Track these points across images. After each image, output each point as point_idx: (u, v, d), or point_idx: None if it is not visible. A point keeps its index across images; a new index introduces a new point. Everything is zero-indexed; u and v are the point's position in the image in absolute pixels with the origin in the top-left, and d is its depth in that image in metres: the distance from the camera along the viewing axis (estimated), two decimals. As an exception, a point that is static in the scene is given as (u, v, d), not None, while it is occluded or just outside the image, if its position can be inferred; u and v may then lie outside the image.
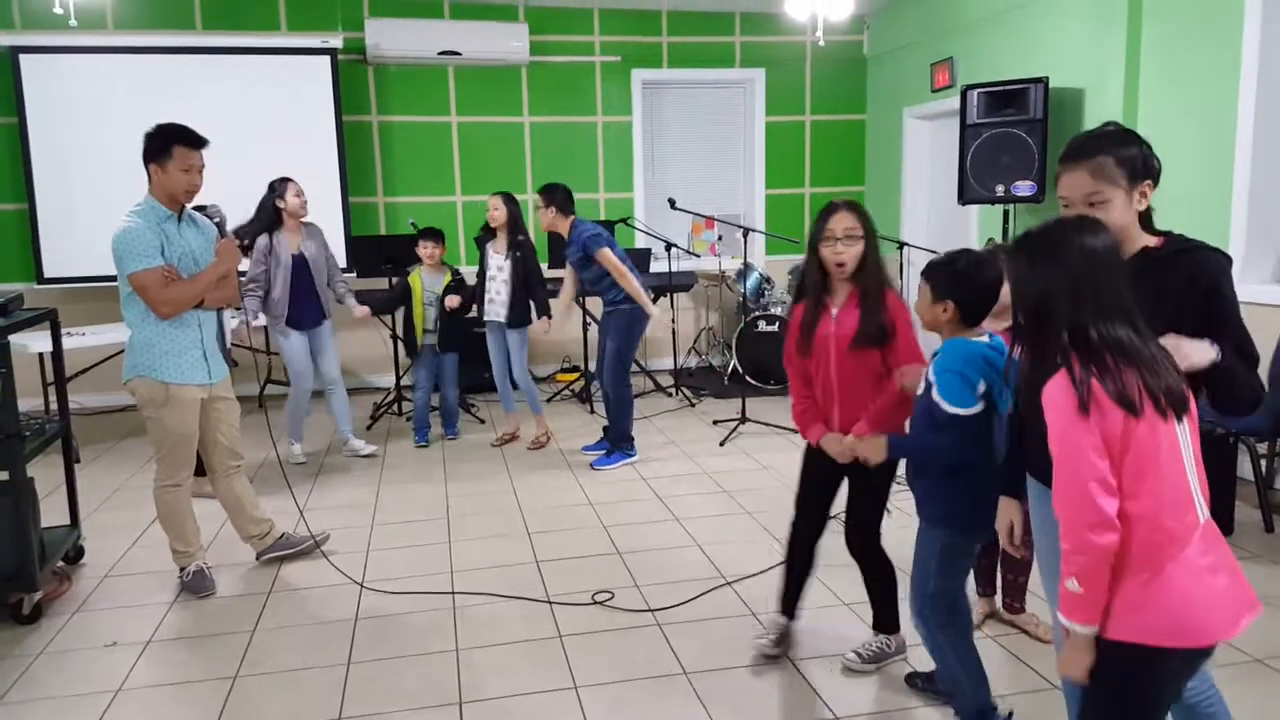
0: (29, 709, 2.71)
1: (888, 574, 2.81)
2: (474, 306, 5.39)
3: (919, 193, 7.13)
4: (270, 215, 4.89)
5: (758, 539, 3.91)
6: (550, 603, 3.33)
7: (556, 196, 4.97)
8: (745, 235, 5.85)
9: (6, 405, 3.17)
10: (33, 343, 4.92)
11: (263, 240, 4.87)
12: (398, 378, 6.37)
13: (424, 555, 3.83)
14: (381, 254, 6.10)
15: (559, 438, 5.62)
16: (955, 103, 5.78)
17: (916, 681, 2.71)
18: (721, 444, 5.42)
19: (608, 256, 4.83)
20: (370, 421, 6.08)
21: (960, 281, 2.25)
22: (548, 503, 4.46)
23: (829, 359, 2.65)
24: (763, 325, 6.67)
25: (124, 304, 3.31)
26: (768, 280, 7.14)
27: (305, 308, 5.00)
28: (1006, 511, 2.18)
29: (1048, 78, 5.24)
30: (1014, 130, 5.34)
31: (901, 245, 6.00)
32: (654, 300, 5.02)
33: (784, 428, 5.59)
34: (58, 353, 3.82)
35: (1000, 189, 5.41)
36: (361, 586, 3.51)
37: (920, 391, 2.38)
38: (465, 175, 7.26)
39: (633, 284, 4.85)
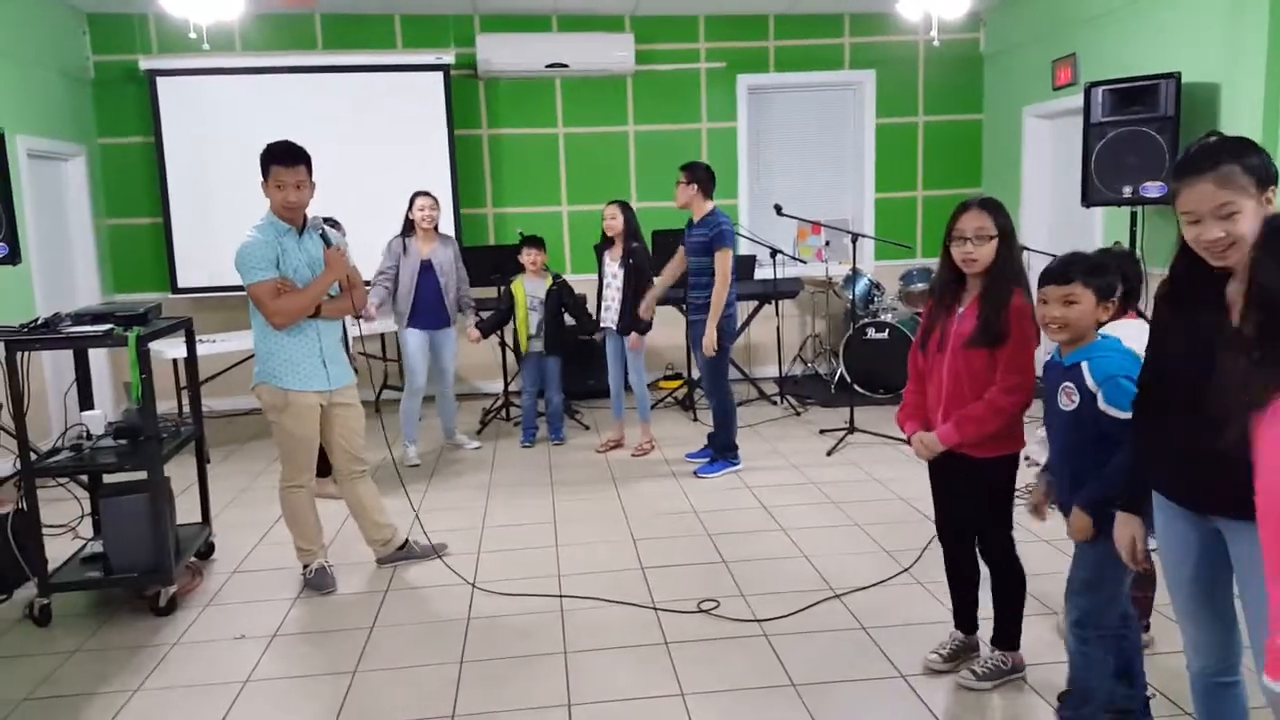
0: (166, 696, 2.86)
1: (1016, 587, 2.70)
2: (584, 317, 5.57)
3: (1039, 195, 6.84)
4: (405, 223, 5.34)
5: (868, 551, 3.81)
6: (656, 609, 3.32)
7: (699, 173, 4.84)
8: (854, 241, 5.72)
9: (147, 409, 3.36)
10: (168, 349, 5.22)
11: (396, 241, 5.32)
12: (505, 383, 6.50)
13: (532, 558, 3.88)
14: (491, 264, 6.26)
15: (662, 445, 5.61)
16: (1078, 100, 5.52)
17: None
18: (829, 454, 5.31)
19: (725, 260, 4.73)
20: (480, 426, 6.22)
21: (1114, 275, 2.29)
22: (652, 509, 4.46)
23: (945, 356, 2.62)
24: (872, 332, 6.50)
25: (251, 313, 3.47)
26: (877, 286, 6.97)
27: (428, 309, 5.34)
28: (1127, 527, 2.05)
29: (1179, 73, 4.95)
30: (1142, 129, 5.06)
31: (1022, 250, 5.76)
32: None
33: (894, 438, 5.43)
34: (192, 359, 4.02)
35: (1128, 190, 5.13)
36: (474, 587, 3.58)
37: (1070, 407, 2.26)
38: (571, 185, 7.35)
39: (720, 300, 4.73)
